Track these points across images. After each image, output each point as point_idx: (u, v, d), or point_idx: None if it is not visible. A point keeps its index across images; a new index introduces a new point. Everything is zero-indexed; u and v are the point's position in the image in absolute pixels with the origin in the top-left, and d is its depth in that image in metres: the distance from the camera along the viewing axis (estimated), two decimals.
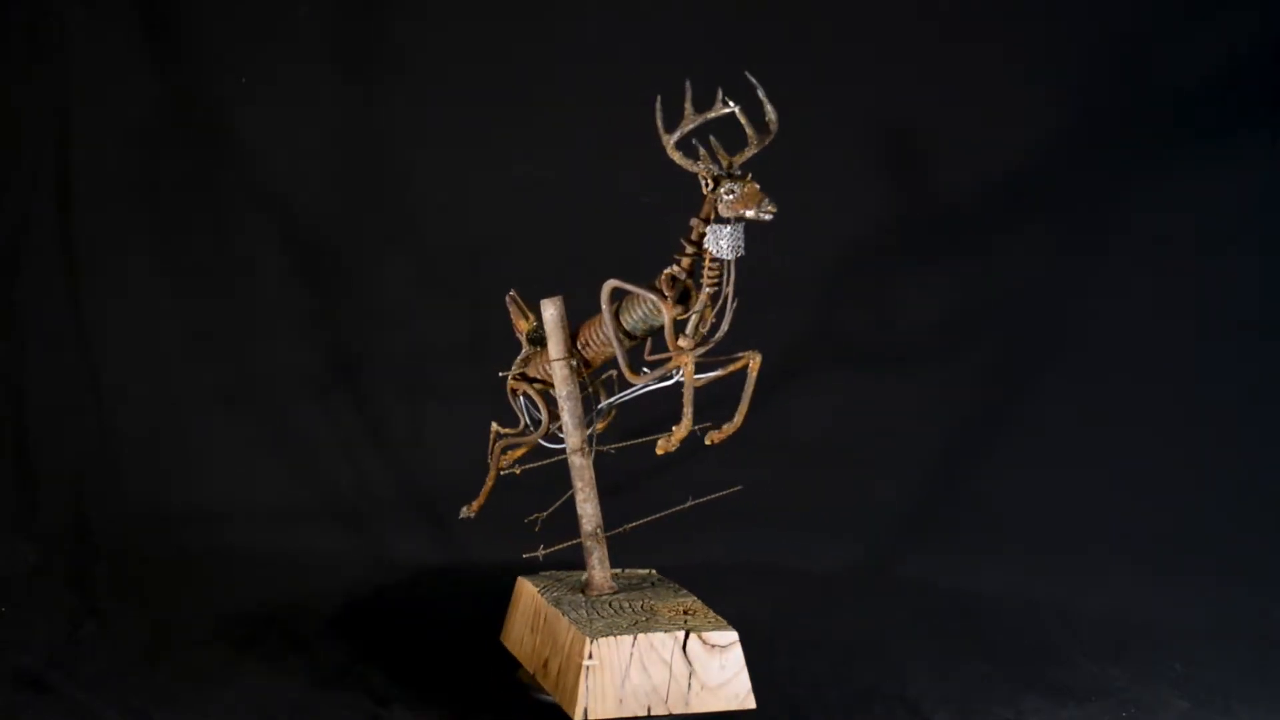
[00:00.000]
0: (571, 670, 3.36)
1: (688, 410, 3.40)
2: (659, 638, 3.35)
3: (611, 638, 3.33)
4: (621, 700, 3.33)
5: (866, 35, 4.83)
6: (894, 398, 4.84)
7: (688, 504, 3.69)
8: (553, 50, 4.83)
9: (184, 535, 4.65)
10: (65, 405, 4.77)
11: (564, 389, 3.62)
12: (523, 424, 3.74)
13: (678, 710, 3.36)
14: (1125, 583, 4.47)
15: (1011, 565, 4.54)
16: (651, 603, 3.58)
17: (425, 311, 4.84)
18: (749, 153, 3.36)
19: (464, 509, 3.85)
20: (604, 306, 3.51)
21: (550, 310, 3.61)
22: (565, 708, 3.36)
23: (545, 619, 3.56)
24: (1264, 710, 3.74)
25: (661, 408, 3.67)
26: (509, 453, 3.80)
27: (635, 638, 3.34)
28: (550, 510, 3.76)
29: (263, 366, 4.85)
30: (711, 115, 3.34)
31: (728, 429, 3.45)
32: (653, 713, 3.35)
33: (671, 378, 3.49)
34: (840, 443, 4.82)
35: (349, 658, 3.96)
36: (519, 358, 3.74)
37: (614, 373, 3.64)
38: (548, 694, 3.61)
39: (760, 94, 3.33)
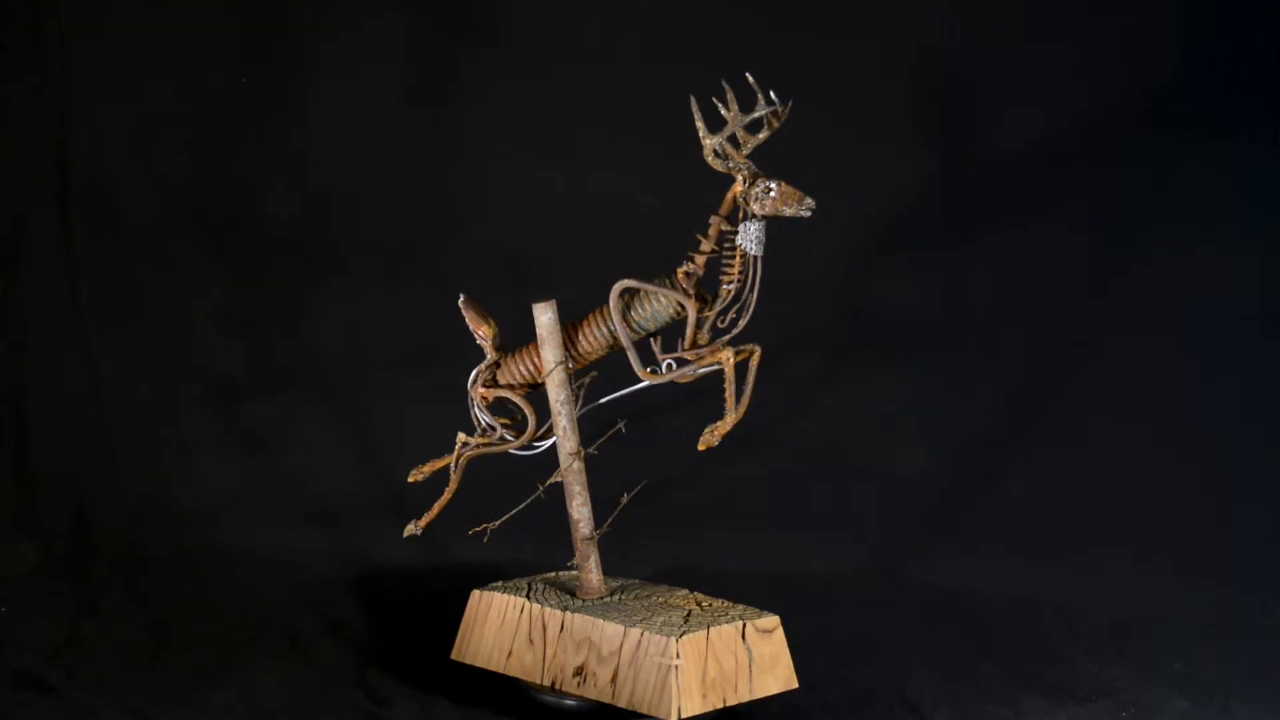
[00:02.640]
0: (649, 672, 3.36)
1: (730, 404, 3.45)
2: (726, 630, 3.43)
3: (690, 635, 3.37)
4: (705, 695, 3.39)
5: (866, 35, 4.83)
6: (894, 397, 4.84)
7: (539, 492, 3.67)
8: (551, 50, 4.83)
9: (184, 535, 4.65)
10: (65, 405, 4.76)
11: (562, 393, 3.59)
12: (498, 432, 3.67)
13: (744, 698, 3.46)
14: (1125, 583, 4.47)
15: (1011, 565, 4.54)
16: (662, 599, 3.62)
17: (429, 312, 4.83)
18: (744, 151, 3.42)
19: (410, 525, 3.78)
20: (613, 306, 3.51)
21: (548, 314, 3.57)
22: (649, 711, 3.37)
23: (564, 626, 3.52)
24: (1264, 710, 3.74)
25: (628, 407, 3.67)
26: (427, 466, 3.74)
27: (708, 631, 3.40)
28: (501, 521, 3.70)
29: (264, 366, 4.85)
30: (756, 115, 3.41)
31: (730, 420, 3.46)
32: (727, 703, 3.43)
33: (659, 377, 3.51)
34: (839, 442, 4.82)
35: (349, 658, 3.96)
36: (485, 364, 3.66)
37: (593, 373, 3.63)
38: (552, 697, 3.59)
39: (772, 94, 3.40)
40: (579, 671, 3.48)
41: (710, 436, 3.48)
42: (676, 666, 3.34)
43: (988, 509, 4.71)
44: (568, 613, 3.53)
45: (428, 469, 3.75)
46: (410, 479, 3.76)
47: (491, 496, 3.71)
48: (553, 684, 3.54)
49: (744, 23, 4.80)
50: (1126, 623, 4.26)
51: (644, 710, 3.39)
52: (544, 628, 3.56)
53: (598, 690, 3.46)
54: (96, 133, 4.78)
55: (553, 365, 3.58)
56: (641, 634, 3.39)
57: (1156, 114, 4.80)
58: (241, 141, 4.82)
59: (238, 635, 4.10)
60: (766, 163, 3.45)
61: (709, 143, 3.41)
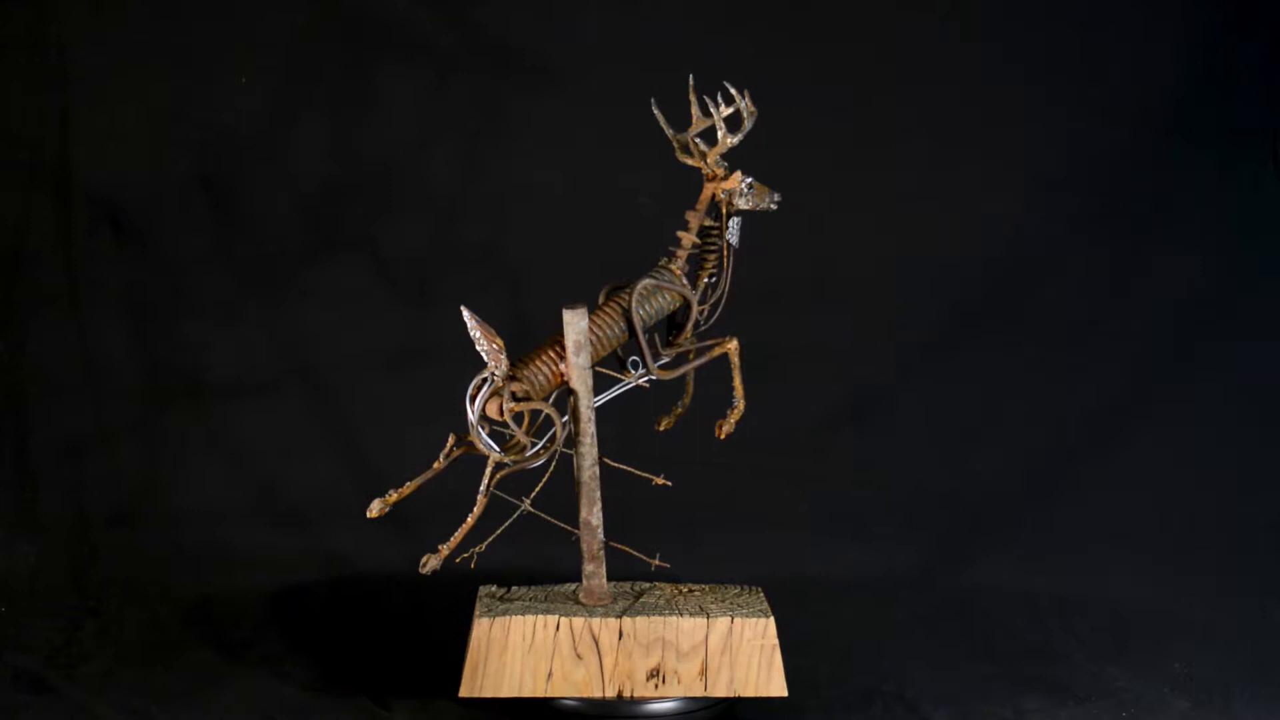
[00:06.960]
0: (748, 656, 3.48)
1: (739, 392, 3.62)
2: (766, 607, 3.60)
3: (770, 615, 3.52)
4: (782, 669, 3.53)
5: (866, 33, 4.84)
6: (888, 398, 4.84)
7: (524, 505, 3.65)
8: (551, 48, 4.83)
9: (184, 535, 4.65)
10: (65, 406, 4.76)
11: (591, 400, 3.57)
12: (529, 447, 3.53)
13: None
14: (1125, 582, 4.48)
15: (1011, 565, 4.54)
16: (667, 594, 3.66)
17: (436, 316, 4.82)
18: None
19: (429, 559, 3.56)
20: (634, 306, 3.55)
21: (583, 320, 3.53)
22: (756, 693, 3.50)
23: (624, 633, 3.49)
24: (1264, 710, 3.75)
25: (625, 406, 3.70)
26: (393, 495, 3.56)
27: (768, 609, 3.56)
28: (488, 541, 3.64)
29: (266, 368, 4.84)
30: (746, 115, 3.53)
31: (741, 407, 3.63)
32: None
33: (671, 373, 3.61)
34: (837, 443, 4.82)
35: (349, 658, 3.96)
36: (499, 377, 3.49)
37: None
38: (561, 701, 3.59)
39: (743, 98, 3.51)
40: (654, 673, 3.50)
41: (727, 425, 3.64)
42: (777, 645, 3.49)
43: (988, 509, 4.71)
44: (626, 618, 3.51)
45: (394, 498, 3.56)
46: (372, 514, 3.55)
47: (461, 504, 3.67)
48: (620, 694, 3.50)
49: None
50: (1126, 623, 4.26)
51: (749, 693, 3.50)
52: (595, 640, 3.51)
53: (682, 687, 3.50)
54: (96, 133, 4.78)
55: (587, 371, 3.55)
56: (732, 621, 3.48)
57: (1153, 114, 4.81)
58: (240, 141, 4.82)
59: (238, 635, 4.10)
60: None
61: (729, 142, 3.52)
